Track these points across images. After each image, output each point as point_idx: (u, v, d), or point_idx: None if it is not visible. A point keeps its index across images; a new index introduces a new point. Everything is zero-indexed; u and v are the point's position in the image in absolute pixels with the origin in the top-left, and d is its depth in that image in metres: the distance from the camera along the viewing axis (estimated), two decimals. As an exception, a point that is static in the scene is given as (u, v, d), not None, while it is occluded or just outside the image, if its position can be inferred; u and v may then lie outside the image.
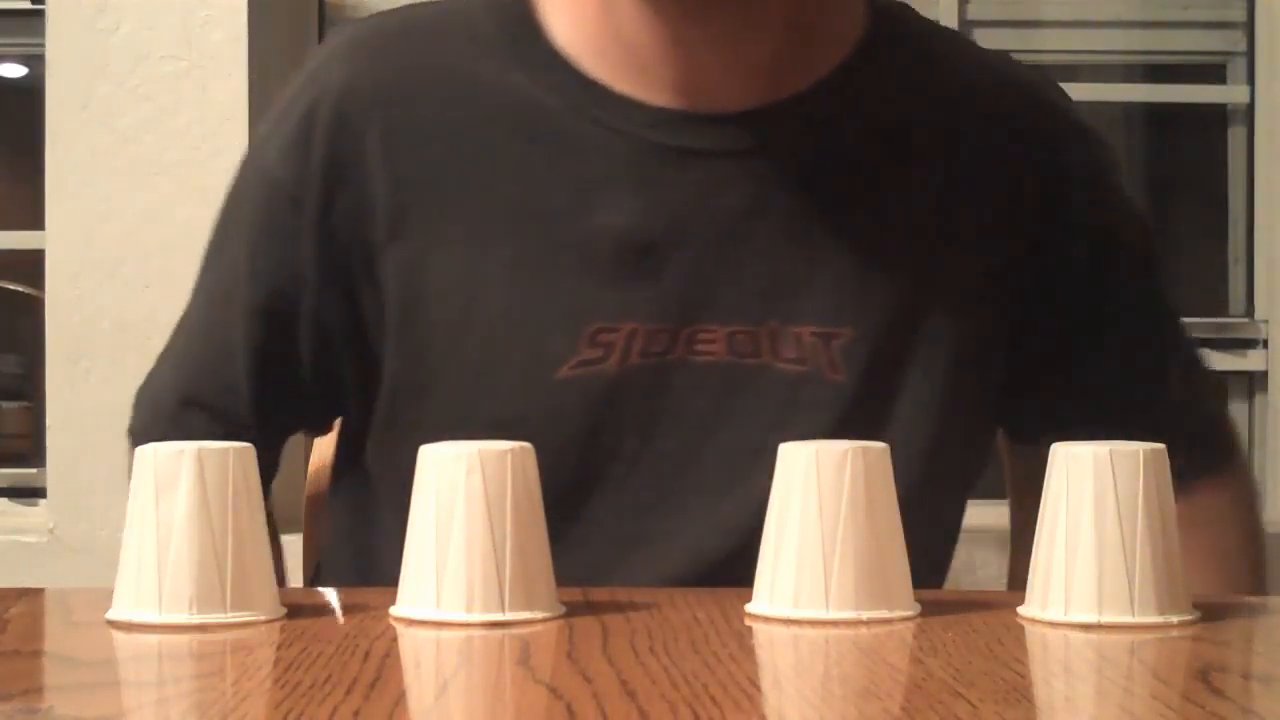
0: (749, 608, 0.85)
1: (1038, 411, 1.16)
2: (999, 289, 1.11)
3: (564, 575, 0.85)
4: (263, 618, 0.82)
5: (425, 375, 1.08)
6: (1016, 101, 1.14)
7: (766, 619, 0.84)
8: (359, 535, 1.18)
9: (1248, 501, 1.21)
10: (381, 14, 1.17)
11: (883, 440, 0.94)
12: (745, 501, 1.05)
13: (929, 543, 1.15)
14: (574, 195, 1.06)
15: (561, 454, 1.04)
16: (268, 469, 1.15)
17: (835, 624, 0.82)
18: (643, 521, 1.07)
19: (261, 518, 0.84)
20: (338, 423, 1.21)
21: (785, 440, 0.98)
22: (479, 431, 1.01)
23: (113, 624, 0.82)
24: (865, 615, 0.83)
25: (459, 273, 1.07)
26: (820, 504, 0.83)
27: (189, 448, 0.82)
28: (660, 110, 1.07)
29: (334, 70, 1.10)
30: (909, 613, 0.84)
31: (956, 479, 1.15)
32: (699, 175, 1.06)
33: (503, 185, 1.07)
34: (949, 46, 1.17)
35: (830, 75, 1.09)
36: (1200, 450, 1.14)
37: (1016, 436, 1.23)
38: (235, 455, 0.83)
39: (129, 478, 1.20)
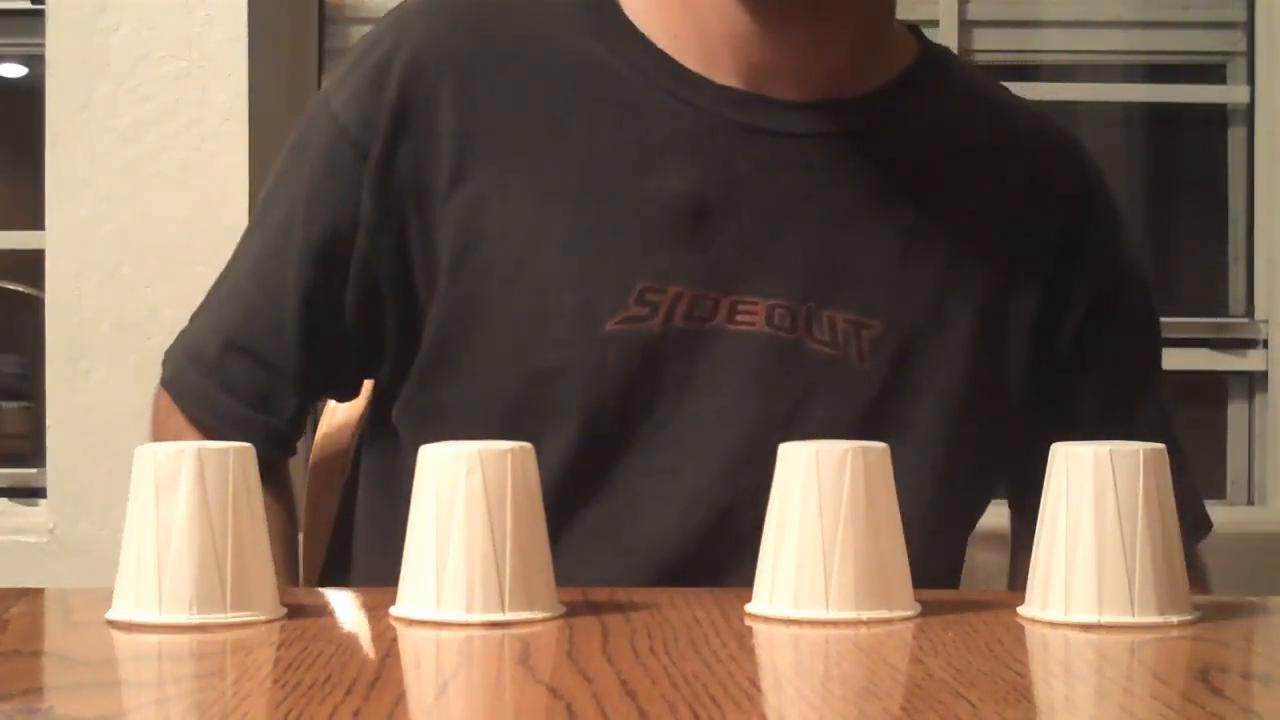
0: (749, 608, 0.85)
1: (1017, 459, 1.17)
2: (1020, 316, 1.15)
3: (589, 529, 0.85)
4: (263, 618, 0.82)
5: (474, 320, 1.10)
6: (1053, 149, 1.21)
7: (766, 619, 0.84)
8: (384, 504, 1.18)
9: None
10: None
11: (900, 435, 1.00)
12: (765, 472, 1.06)
13: (947, 542, 1.16)
14: (636, 158, 1.10)
15: (599, 407, 1.08)
16: (296, 429, 1.19)
17: (835, 624, 0.82)
18: (666, 484, 1.09)
19: (261, 517, 0.84)
20: (364, 392, 1.23)
21: (809, 417, 1.05)
22: (521, 381, 1.08)
23: (113, 624, 0.82)
24: (865, 615, 0.83)
25: (517, 221, 1.09)
26: (820, 504, 0.83)
27: (189, 448, 0.82)
28: (726, 88, 1.12)
29: (413, 24, 1.14)
30: (909, 613, 0.84)
31: (967, 491, 1.16)
32: (759, 152, 1.11)
33: (568, 141, 1.11)
34: (990, 86, 1.24)
35: (886, 86, 1.16)
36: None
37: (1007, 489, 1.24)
38: (235, 455, 0.83)
39: (152, 427, 1.20)
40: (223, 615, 0.81)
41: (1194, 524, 1.19)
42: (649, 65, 1.12)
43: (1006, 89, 1.26)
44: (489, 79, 1.12)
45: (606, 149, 1.11)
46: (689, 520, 1.08)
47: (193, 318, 1.20)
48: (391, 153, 1.11)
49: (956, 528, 1.19)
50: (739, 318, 1.09)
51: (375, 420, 1.21)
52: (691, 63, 1.13)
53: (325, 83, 1.18)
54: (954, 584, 1.20)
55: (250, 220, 1.20)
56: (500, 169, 1.10)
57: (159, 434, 1.19)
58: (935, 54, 1.21)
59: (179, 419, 1.17)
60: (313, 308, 1.13)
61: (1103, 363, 1.19)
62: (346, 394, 1.22)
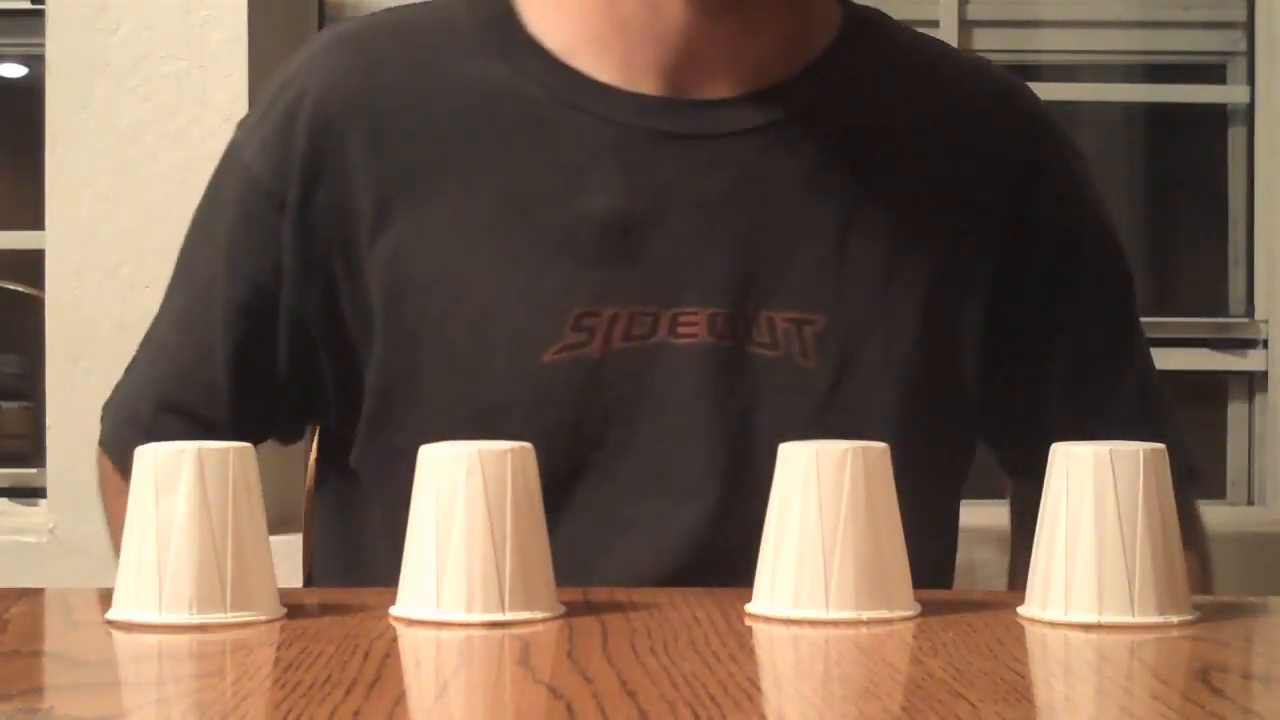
0: (749, 608, 0.85)
1: (997, 415, 1.17)
2: (972, 285, 1.12)
3: (556, 562, 0.85)
4: (263, 618, 0.82)
5: (413, 367, 1.08)
6: (993, 102, 1.17)
7: (766, 619, 0.84)
8: (348, 538, 1.18)
9: (1191, 538, 1.14)
10: (361, 17, 1.19)
11: (854, 428, 0.97)
12: (729, 485, 1.06)
13: (920, 539, 1.15)
14: (557, 181, 1.08)
15: (549, 440, 1.03)
16: None
17: (835, 624, 0.82)
18: (629, 507, 1.07)
19: (261, 517, 0.84)
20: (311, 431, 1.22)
21: (759, 424, 1.02)
22: (467, 421, 1.03)
23: (112, 624, 0.82)
24: (865, 615, 0.83)
25: (444, 263, 1.08)
26: (820, 504, 0.83)
27: (189, 448, 0.82)
28: (643, 97, 1.09)
29: (316, 70, 1.12)
30: (909, 613, 0.84)
31: (938, 473, 1.14)
32: (680, 159, 1.08)
33: (486, 175, 1.08)
34: (924, 46, 1.20)
35: (808, 67, 1.12)
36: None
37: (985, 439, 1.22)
38: (235, 455, 0.83)
39: (101, 493, 1.19)
40: (223, 615, 0.81)
41: (1185, 472, 1.13)
42: (558, 83, 1.10)
43: (943, 44, 1.22)
44: (397, 119, 1.09)
45: (525, 176, 1.08)
46: (659, 544, 1.06)
47: (128, 369, 1.19)
48: (308, 202, 1.09)
49: (931, 513, 1.14)
50: (680, 330, 1.07)
51: (326, 463, 1.20)
52: (605, 73, 1.10)
53: (237, 131, 1.16)
54: (948, 572, 1.18)
55: (175, 271, 1.18)
56: (420, 211, 1.08)
57: (105, 492, 1.19)
58: (862, 18, 1.16)
59: (119, 479, 1.15)
60: (243, 364, 1.12)
61: (1073, 320, 1.16)
62: (289, 439, 1.21)
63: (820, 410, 1.07)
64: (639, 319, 1.06)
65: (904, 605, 0.84)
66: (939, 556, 1.17)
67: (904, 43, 1.18)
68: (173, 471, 0.82)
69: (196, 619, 0.81)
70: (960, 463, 1.16)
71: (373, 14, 1.19)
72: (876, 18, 1.18)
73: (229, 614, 0.81)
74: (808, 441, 0.85)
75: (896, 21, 1.19)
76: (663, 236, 1.07)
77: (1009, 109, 1.17)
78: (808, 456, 0.84)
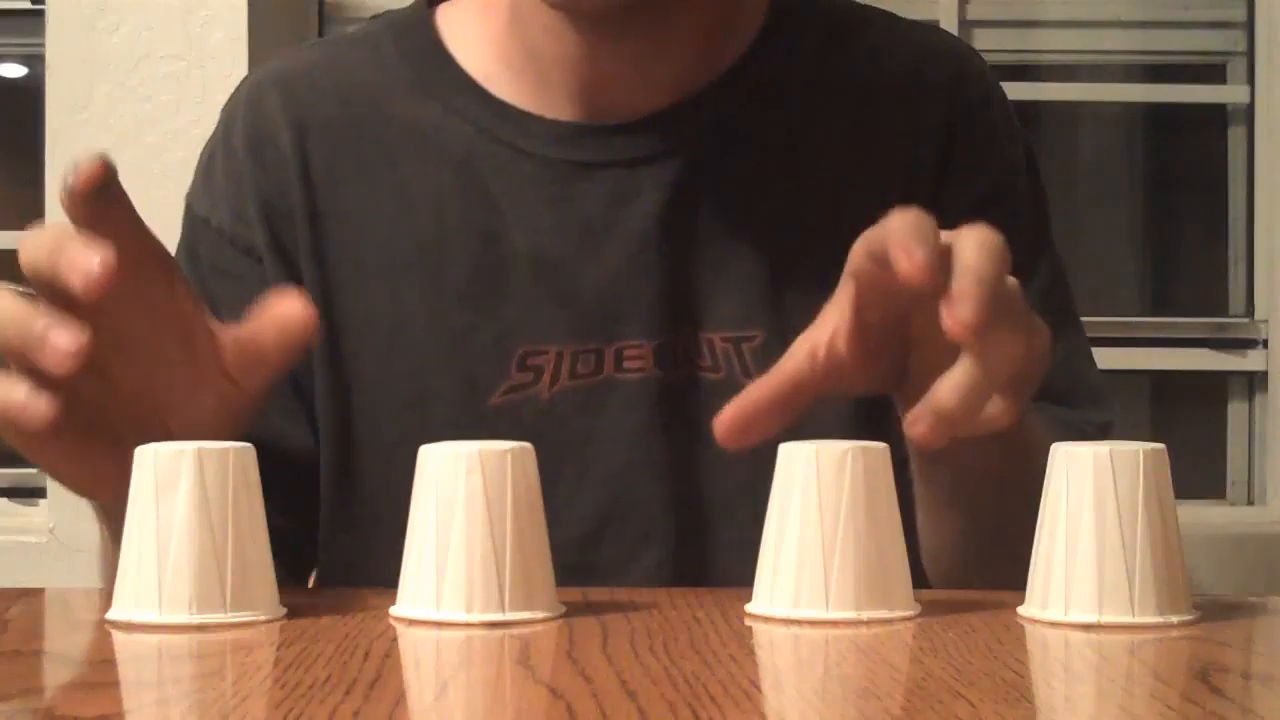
0: (749, 607, 0.85)
1: None
2: None
3: None
4: (262, 618, 0.82)
5: (351, 416, 1.07)
6: (930, 66, 1.12)
7: (766, 619, 0.84)
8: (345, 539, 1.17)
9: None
10: (283, 55, 1.18)
11: (807, 437, 0.94)
12: (684, 520, 1.05)
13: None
14: (485, 219, 1.06)
15: None
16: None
17: (835, 624, 0.82)
18: (589, 553, 1.06)
19: (262, 516, 0.84)
20: None
21: (708, 450, 0.97)
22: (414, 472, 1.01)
23: (112, 624, 0.82)
24: (865, 615, 0.83)
25: (378, 309, 1.06)
26: (820, 504, 0.83)
27: (188, 447, 0.82)
28: (565, 125, 1.07)
29: (248, 109, 1.12)
30: (909, 612, 0.84)
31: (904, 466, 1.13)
32: (607, 187, 1.06)
33: (416, 216, 1.07)
34: (858, 20, 1.14)
35: (729, 70, 1.09)
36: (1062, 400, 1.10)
37: None
38: (235, 455, 0.83)
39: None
40: (223, 615, 0.81)
41: (1088, 396, 1.11)
42: (482, 115, 1.08)
43: (882, 17, 1.15)
44: (328, 160, 1.08)
45: (454, 216, 1.06)
46: (618, 581, 1.04)
47: None
48: (276, 239, 1.08)
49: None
50: (626, 364, 1.05)
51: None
52: (525, 100, 1.08)
53: (187, 199, 1.15)
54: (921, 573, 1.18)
55: None
56: (352, 253, 1.07)
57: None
58: (786, 8, 1.12)
59: None
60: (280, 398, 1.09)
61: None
62: None
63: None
64: (583, 356, 1.05)
65: (904, 605, 0.84)
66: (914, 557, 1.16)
67: (835, 20, 1.13)
68: (173, 471, 0.82)
69: (196, 619, 0.81)
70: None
71: (288, 53, 1.18)
72: (802, 4, 1.13)
73: (229, 614, 0.81)
74: (807, 441, 0.85)
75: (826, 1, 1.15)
76: (595, 269, 1.05)
77: (944, 76, 1.12)
78: (807, 456, 0.84)
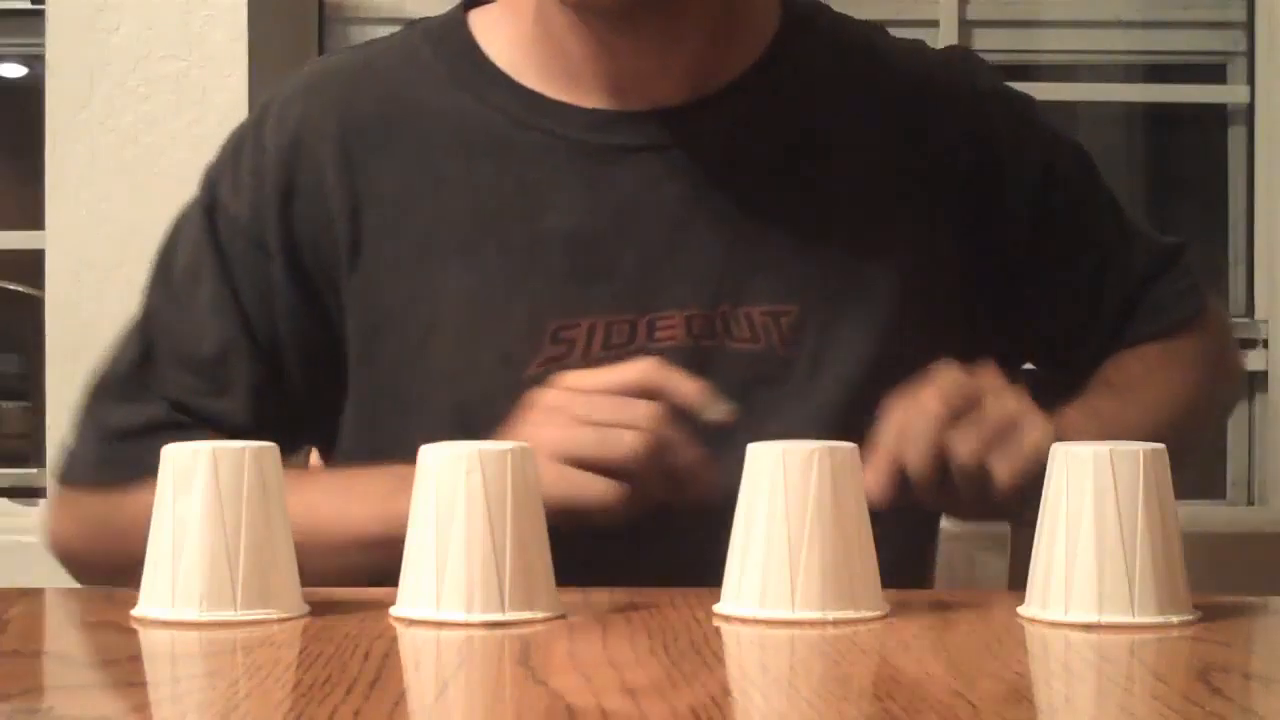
0: (716, 608, 0.85)
1: (1038, 336, 1.23)
2: (940, 257, 1.16)
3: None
4: (275, 616, 0.82)
5: (395, 391, 1.11)
6: (932, 76, 1.21)
7: (728, 619, 0.83)
8: None
9: (1220, 341, 1.29)
10: (324, 56, 1.25)
11: (836, 412, 1.06)
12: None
13: (905, 524, 1.16)
14: (522, 201, 1.12)
15: None
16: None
17: (800, 624, 0.82)
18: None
19: (281, 515, 0.84)
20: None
21: (745, 417, 1.03)
22: (457, 438, 1.03)
23: (132, 620, 0.83)
24: (831, 616, 0.82)
25: (419, 291, 1.11)
26: (787, 504, 0.83)
27: (204, 447, 0.83)
28: (596, 112, 1.13)
29: (287, 111, 1.15)
30: (875, 613, 0.84)
31: None
32: (637, 170, 1.12)
33: (454, 201, 1.12)
34: (861, 33, 1.22)
35: (749, 70, 1.16)
36: (1172, 310, 1.23)
37: (1039, 364, 1.28)
38: (251, 455, 0.83)
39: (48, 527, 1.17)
40: (233, 613, 0.82)
41: (1158, 257, 1.24)
42: (514, 105, 1.14)
43: (881, 29, 1.25)
44: (369, 153, 1.13)
45: (491, 199, 1.12)
46: (646, 564, 1.03)
47: (99, 405, 1.17)
48: (291, 240, 1.12)
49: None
50: (659, 334, 1.10)
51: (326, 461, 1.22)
52: (557, 91, 1.14)
53: (204, 178, 1.18)
54: (924, 574, 1.22)
55: (155, 308, 1.17)
56: (393, 240, 1.12)
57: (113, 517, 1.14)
58: (800, 14, 1.20)
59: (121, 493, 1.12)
60: (264, 400, 1.13)
61: (1074, 238, 1.21)
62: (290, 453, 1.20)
63: (802, 396, 1.10)
64: (616, 327, 1.09)
65: (870, 605, 0.84)
66: (926, 534, 1.22)
67: (841, 31, 1.21)
68: (189, 471, 0.82)
69: (206, 616, 0.81)
70: None
71: (339, 53, 1.24)
72: (814, 11, 1.21)
73: (239, 612, 0.82)
74: (774, 441, 0.85)
75: (834, 11, 1.23)
76: (631, 247, 1.11)
77: (948, 78, 1.21)
78: (774, 456, 0.84)
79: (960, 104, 1.19)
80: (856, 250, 1.13)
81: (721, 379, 1.07)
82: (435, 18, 1.20)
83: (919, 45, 1.25)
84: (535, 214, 1.11)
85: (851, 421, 1.09)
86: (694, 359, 1.08)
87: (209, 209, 1.16)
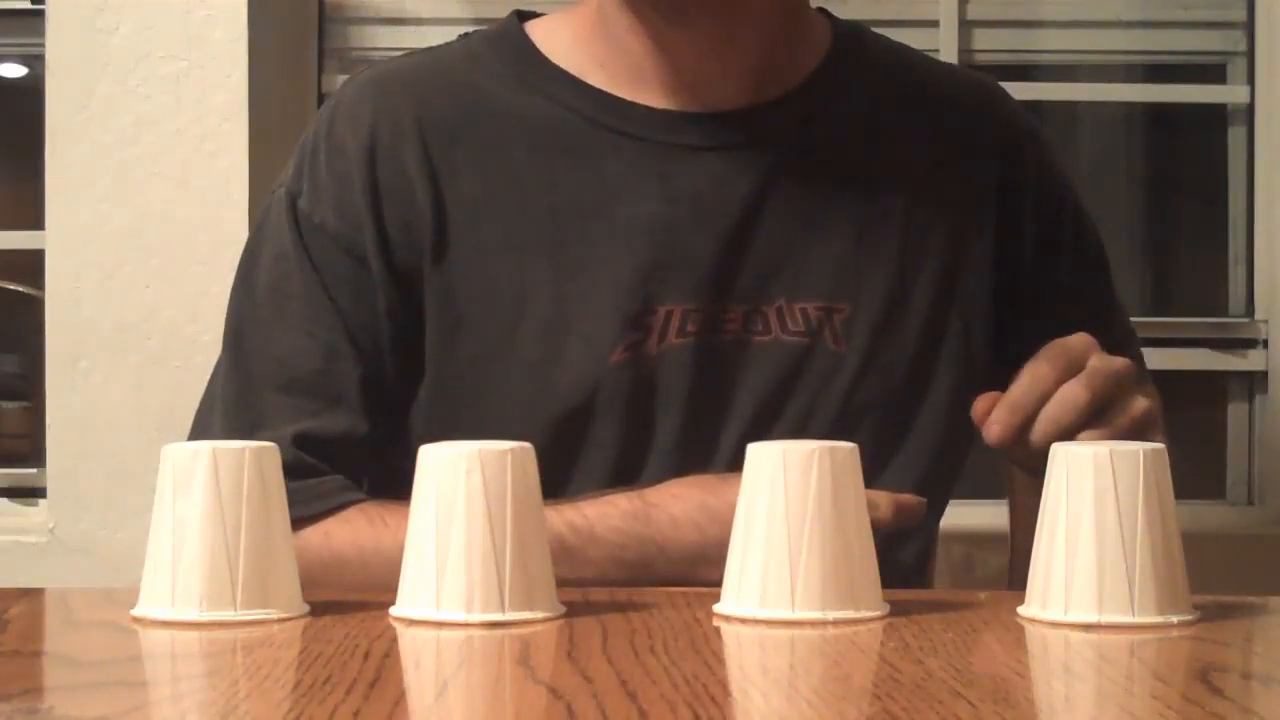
0: (716, 607, 0.85)
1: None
2: (974, 268, 1.21)
3: None
4: (274, 616, 0.82)
5: (479, 385, 1.14)
6: (975, 99, 1.27)
7: (728, 619, 0.83)
8: None
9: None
10: (386, 61, 1.25)
11: (881, 405, 1.14)
12: None
13: (936, 502, 1.20)
14: (599, 194, 1.15)
15: (615, 433, 1.13)
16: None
17: (800, 624, 0.82)
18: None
19: (282, 515, 0.84)
20: None
21: (795, 407, 1.13)
22: (541, 430, 1.11)
23: (132, 620, 0.83)
24: (831, 616, 0.82)
25: (501, 285, 1.14)
26: (787, 504, 0.83)
27: (204, 447, 0.83)
28: (662, 112, 1.17)
29: (358, 111, 1.17)
30: (876, 613, 0.84)
31: (958, 451, 1.22)
32: (708, 168, 1.16)
33: (532, 197, 1.15)
34: (906, 56, 1.29)
35: (808, 79, 1.21)
36: None
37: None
38: (251, 454, 0.83)
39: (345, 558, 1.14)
40: (232, 613, 0.82)
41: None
42: (584, 105, 1.17)
43: (916, 52, 1.31)
44: (446, 152, 1.15)
45: (568, 194, 1.15)
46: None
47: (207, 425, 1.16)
48: (385, 244, 1.14)
49: (940, 506, 1.24)
50: (728, 325, 1.15)
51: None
52: (623, 92, 1.18)
53: (279, 188, 1.18)
54: (923, 566, 1.24)
55: (250, 324, 1.16)
56: (475, 236, 1.14)
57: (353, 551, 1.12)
58: (848, 34, 1.25)
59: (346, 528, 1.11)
60: (376, 401, 1.15)
61: (1059, 295, 1.25)
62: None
63: (854, 391, 1.15)
64: (690, 316, 1.14)
65: (870, 605, 0.84)
66: (929, 541, 1.25)
67: (886, 54, 1.27)
68: (189, 471, 0.82)
69: (206, 616, 0.81)
70: (967, 443, 1.22)
71: (402, 56, 1.25)
72: (861, 32, 1.28)
73: (239, 612, 0.82)
74: (774, 441, 0.85)
75: (876, 34, 1.28)
76: (702, 241, 1.15)
77: (989, 104, 1.27)
78: (774, 455, 0.84)
79: (997, 128, 1.25)
80: (903, 258, 1.19)
81: (773, 371, 1.15)
82: (490, 28, 1.23)
83: (956, 70, 1.32)
84: (612, 207, 1.15)
85: (894, 421, 1.17)
86: (749, 352, 1.15)
87: (293, 223, 1.16)
